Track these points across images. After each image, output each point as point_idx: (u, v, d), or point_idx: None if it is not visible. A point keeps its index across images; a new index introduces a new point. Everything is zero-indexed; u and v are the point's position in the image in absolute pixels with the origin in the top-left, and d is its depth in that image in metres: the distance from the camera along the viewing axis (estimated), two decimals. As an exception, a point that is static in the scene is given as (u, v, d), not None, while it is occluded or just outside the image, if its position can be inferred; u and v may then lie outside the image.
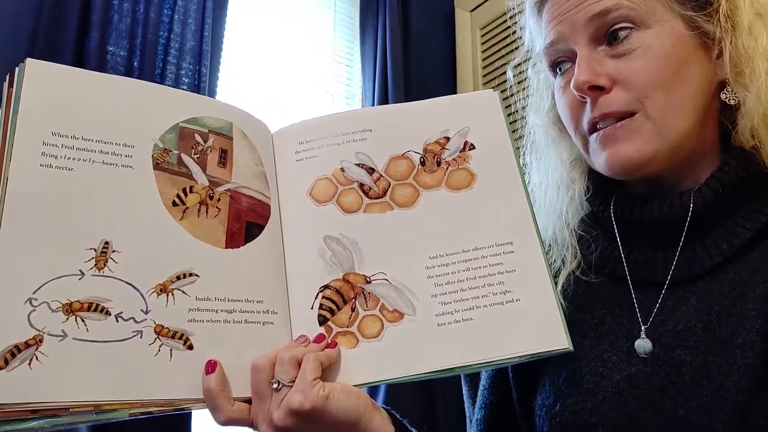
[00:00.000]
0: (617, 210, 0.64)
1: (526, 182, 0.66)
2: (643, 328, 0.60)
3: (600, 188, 0.67)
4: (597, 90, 0.60)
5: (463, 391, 0.81)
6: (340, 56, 2.05)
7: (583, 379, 0.60)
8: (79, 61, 1.35)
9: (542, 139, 0.72)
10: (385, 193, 0.64)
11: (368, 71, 1.95)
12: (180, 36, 1.52)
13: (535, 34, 0.69)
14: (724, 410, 0.52)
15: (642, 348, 0.59)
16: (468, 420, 0.79)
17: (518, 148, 0.70)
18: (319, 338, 0.58)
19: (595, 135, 0.62)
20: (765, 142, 0.59)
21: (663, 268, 0.61)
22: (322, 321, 0.59)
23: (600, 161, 0.62)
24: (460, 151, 0.65)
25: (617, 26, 0.59)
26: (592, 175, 0.68)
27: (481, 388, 0.73)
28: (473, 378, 0.80)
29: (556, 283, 0.62)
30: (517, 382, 0.69)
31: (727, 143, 0.63)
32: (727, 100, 0.61)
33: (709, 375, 0.54)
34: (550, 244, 0.68)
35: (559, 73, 0.65)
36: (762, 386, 0.52)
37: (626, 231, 0.64)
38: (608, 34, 0.60)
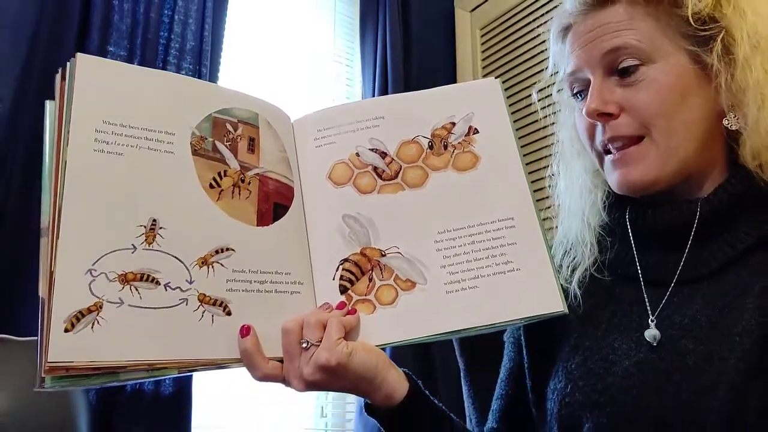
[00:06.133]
0: (632, 217, 0.70)
1: (554, 188, 0.74)
2: (652, 317, 0.65)
3: (618, 196, 0.72)
4: (605, 116, 0.67)
5: (463, 391, 0.86)
6: (340, 56, 2.06)
7: (595, 364, 0.65)
8: (80, 63, 1.39)
9: (568, 150, 0.78)
10: (397, 175, 0.71)
11: (368, 71, 1.96)
12: (180, 36, 1.53)
13: (558, 58, 0.76)
14: (722, 390, 0.56)
15: (651, 336, 0.63)
16: (467, 419, 0.85)
17: (520, 133, 0.77)
18: (341, 305, 0.65)
19: (609, 157, 0.69)
20: (766, 165, 0.65)
21: (672, 269, 0.66)
22: (343, 290, 0.66)
23: (612, 180, 0.69)
24: (465, 135, 0.72)
25: (626, 61, 0.66)
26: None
27: (498, 380, 0.78)
28: (474, 379, 0.86)
29: (565, 270, 0.71)
30: (531, 371, 0.73)
31: (736, 159, 0.68)
32: (729, 127, 0.66)
33: (710, 361, 0.58)
34: (572, 243, 0.74)
35: (578, 99, 0.72)
36: (759, 370, 0.56)
37: (639, 236, 0.70)
38: (618, 67, 0.66)
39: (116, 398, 1.31)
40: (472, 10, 2.26)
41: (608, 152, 0.69)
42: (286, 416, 1.71)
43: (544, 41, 1.91)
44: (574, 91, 0.73)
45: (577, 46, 0.70)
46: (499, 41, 2.14)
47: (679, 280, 0.66)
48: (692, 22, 0.65)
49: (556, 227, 0.78)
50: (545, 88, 0.82)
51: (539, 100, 0.85)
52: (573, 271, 0.72)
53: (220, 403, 1.58)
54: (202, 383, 1.48)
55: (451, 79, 2.23)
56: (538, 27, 2.01)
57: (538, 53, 2.00)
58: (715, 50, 0.65)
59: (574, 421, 0.64)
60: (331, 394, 1.80)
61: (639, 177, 0.66)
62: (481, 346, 0.87)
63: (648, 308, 0.66)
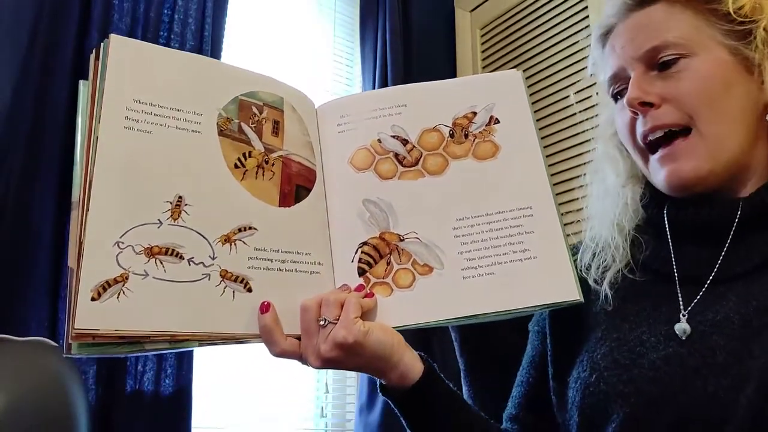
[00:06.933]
0: (670, 213, 0.69)
1: (585, 194, 0.74)
2: (684, 312, 0.64)
3: (654, 194, 0.72)
4: (646, 106, 0.67)
5: (464, 392, 0.87)
6: (340, 56, 2.06)
7: (621, 355, 0.65)
8: (79, 61, 1.37)
9: (603, 158, 0.78)
10: (417, 162, 0.72)
11: (368, 71, 1.96)
12: (180, 36, 1.53)
13: (599, 64, 0.76)
14: (751, 387, 0.56)
15: (681, 330, 0.63)
16: None
17: (539, 120, 0.77)
18: (359, 288, 0.66)
19: (656, 155, 0.68)
20: None
21: (707, 266, 0.65)
22: (361, 272, 0.67)
23: (660, 178, 0.68)
24: (486, 125, 0.73)
25: (666, 57, 0.66)
26: (647, 185, 0.73)
27: (520, 368, 0.78)
28: (474, 379, 0.87)
29: (594, 272, 0.71)
30: (554, 358, 0.73)
31: None
32: None
33: (740, 358, 0.58)
34: (601, 246, 0.73)
35: (619, 98, 0.72)
36: None
37: (676, 231, 0.69)
38: (659, 62, 0.67)
39: (116, 398, 1.32)
40: (472, 10, 2.27)
41: (653, 150, 0.68)
42: (285, 416, 1.71)
43: (544, 41, 1.93)
44: (614, 92, 0.72)
45: (618, 47, 0.70)
46: (499, 41, 2.14)
47: (715, 278, 0.65)
48: (732, 17, 0.65)
49: (585, 231, 0.78)
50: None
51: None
52: (604, 272, 0.71)
53: (220, 403, 1.59)
54: (202, 383, 1.48)
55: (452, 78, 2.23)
56: (538, 27, 2.01)
57: (539, 53, 2.01)
58: (757, 43, 0.65)
59: (597, 411, 0.64)
60: (331, 393, 1.82)
61: (691, 172, 0.65)
62: (482, 346, 0.87)
63: (680, 303, 0.65)
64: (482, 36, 2.22)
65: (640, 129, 0.68)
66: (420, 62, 2.04)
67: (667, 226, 0.69)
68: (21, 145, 1.31)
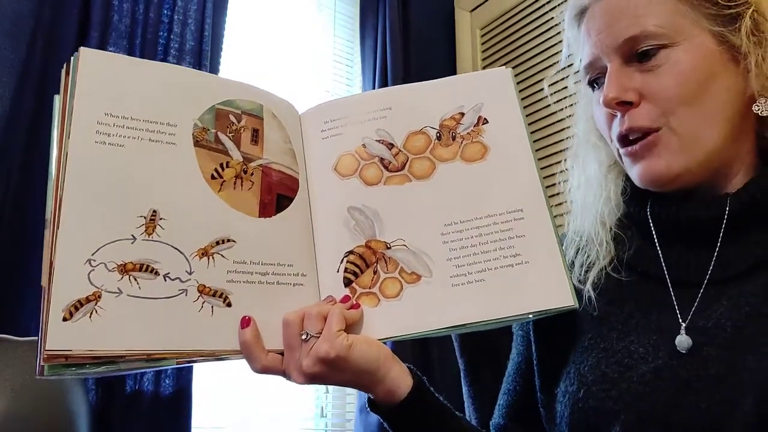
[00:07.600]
0: (654, 210, 0.66)
1: (567, 185, 0.71)
2: (683, 324, 0.61)
3: (637, 189, 0.68)
4: (625, 105, 0.63)
5: (464, 392, 0.84)
6: (340, 56, 2.07)
7: (609, 368, 0.62)
8: (79, 61, 1.40)
9: (583, 144, 0.74)
10: (403, 167, 0.69)
11: (368, 71, 1.96)
12: (180, 36, 1.53)
13: (574, 46, 0.72)
14: (748, 403, 0.53)
15: (685, 345, 0.59)
16: (467, 419, 0.81)
17: (530, 123, 0.74)
18: (345, 299, 0.64)
19: (624, 150, 0.64)
20: None
21: (696, 269, 0.62)
22: (347, 283, 0.65)
23: (633, 175, 0.65)
24: (474, 126, 0.70)
25: (645, 47, 0.62)
26: (628, 178, 0.69)
27: (506, 375, 0.75)
28: (474, 380, 0.84)
29: (578, 270, 0.68)
30: (541, 369, 0.70)
31: None
32: (759, 113, 0.62)
33: (734, 370, 0.55)
34: (585, 240, 0.70)
35: (596, 87, 0.68)
36: None
37: (662, 231, 0.66)
38: (637, 54, 0.63)
39: (116, 398, 1.32)
40: (472, 10, 2.27)
41: (625, 145, 0.64)
42: (285, 416, 1.71)
43: (544, 41, 1.89)
44: (591, 80, 0.69)
45: (593, 32, 0.66)
46: (499, 41, 2.14)
47: (706, 281, 0.61)
48: (718, 0, 0.61)
49: (569, 223, 0.75)
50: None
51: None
52: (587, 271, 0.68)
53: (220, 403, 1.59)
54: (202, 383, 1.48)
55: (451, 78, 2.24)
56: (538, 27, 1.99)
57: (539, 53, 1.99)
58: (743, 29, 0.61)
59: (587, 427, 0.61)
60: (331, 393, 1.81)
61: (664, 169, 0.62)
62: (482, 346, 0.85)
63: (677, 311, 0.62)
64: (482, 36, 2.22)
65: (617, 128, 0.64)
66: (420, 62, 2.04)
67: (651, 224, 0.66)
68: (21, 145, 1.31)
